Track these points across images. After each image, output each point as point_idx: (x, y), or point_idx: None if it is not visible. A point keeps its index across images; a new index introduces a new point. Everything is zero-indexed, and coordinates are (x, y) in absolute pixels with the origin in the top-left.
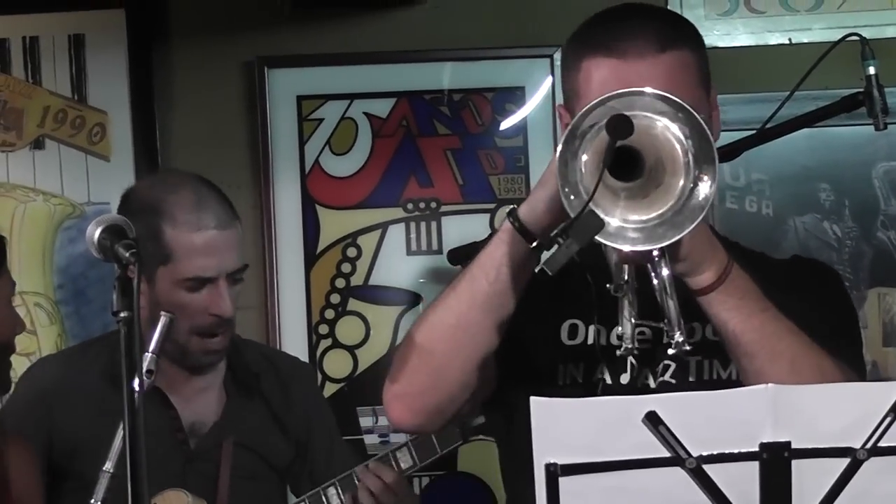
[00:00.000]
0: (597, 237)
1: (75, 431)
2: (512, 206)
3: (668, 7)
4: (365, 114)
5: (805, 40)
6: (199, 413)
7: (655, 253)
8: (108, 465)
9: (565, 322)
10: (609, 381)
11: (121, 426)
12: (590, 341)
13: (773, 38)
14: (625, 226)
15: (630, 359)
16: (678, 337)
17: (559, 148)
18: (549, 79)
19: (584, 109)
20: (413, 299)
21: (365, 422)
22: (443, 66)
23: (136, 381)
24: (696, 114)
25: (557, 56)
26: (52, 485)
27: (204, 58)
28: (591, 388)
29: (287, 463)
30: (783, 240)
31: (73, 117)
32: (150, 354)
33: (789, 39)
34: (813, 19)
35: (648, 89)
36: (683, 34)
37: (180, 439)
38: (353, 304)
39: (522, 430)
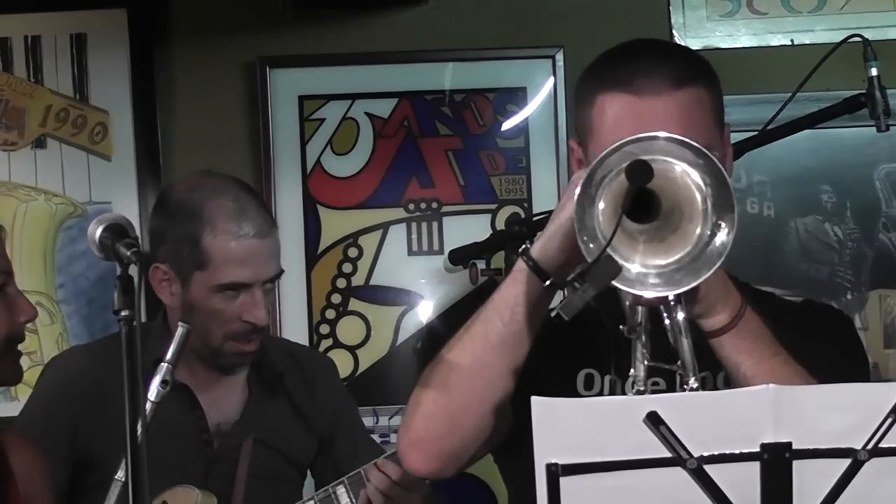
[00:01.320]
0: (614, 282)
1: (99, 426)
2: (524, 246)
3: (671, 10)
4: (366, 114)
5: (807, 42)
6: (224, 412)
7: (671, 297)
8: (120, 474)
9: (581, 371)
10: None
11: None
12: (606, 393)
13: (775, 40)
14: (643, 271)
15: None
16: (692, 382)
17: (577, 192)
18: (551, 79)
19: (600, 155)
20: (414, 300)
21: (366, 422)
22: (444, 67)
23: (154, 384)
24: (715, 160)
25: (560, 57)
26: (75, 480)
27: (206, 57)
28: None
29: (309, 460)
30: (784, 241)
31: (75, 117)
32: (166, 364)
33: (791, 41)
34: (815, 20)
35: (662, 133)
36: (699, 71)
37: (205, 440)
38: (354, 304)
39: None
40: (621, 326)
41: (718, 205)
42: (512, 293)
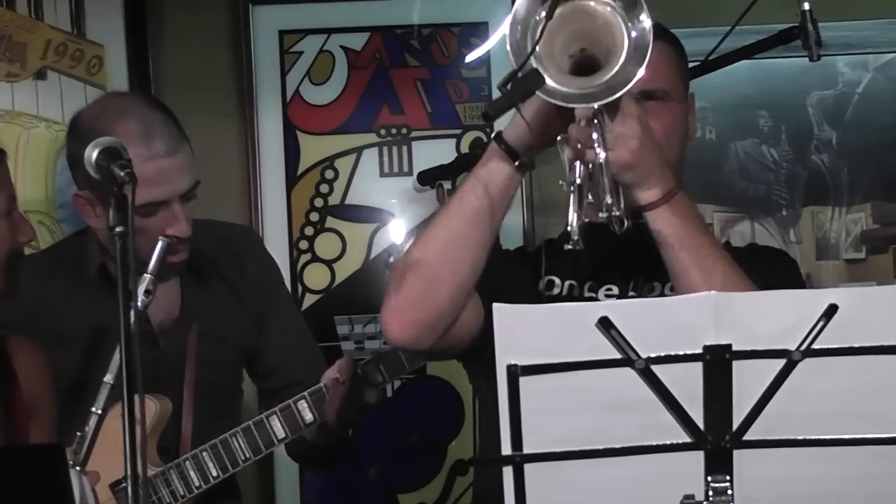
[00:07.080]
0: (539, 93)
1: (60, 330)
2: (498, 131)
3: None
4: (341, 47)
5: None
6: (165, 310)
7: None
8: (109, 377)
9: (543, 279)
10: None
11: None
12: (564, 293)
13: None
14: (580, 91)
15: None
16: (608, 199)
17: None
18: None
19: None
20: (386, 217)
21: (342, 330)
22: (413, 3)
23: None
24: None
25: None
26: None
27: None
28: None
29: (249, 342)
30: (724, 162)
31: (73, 50)
32: (148, 276)
33: None
34: None
35: None
36: (665, 32)
37: (152, 341)
38: (330, 222)
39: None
40: (560, 181)
41: (628, 7)
42: (485, 172)
